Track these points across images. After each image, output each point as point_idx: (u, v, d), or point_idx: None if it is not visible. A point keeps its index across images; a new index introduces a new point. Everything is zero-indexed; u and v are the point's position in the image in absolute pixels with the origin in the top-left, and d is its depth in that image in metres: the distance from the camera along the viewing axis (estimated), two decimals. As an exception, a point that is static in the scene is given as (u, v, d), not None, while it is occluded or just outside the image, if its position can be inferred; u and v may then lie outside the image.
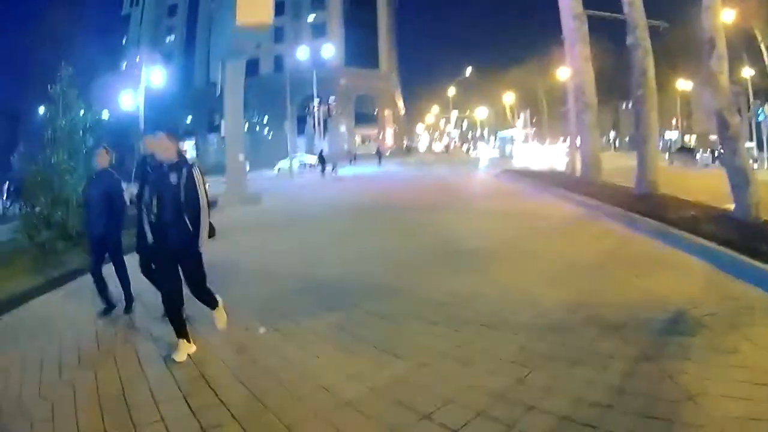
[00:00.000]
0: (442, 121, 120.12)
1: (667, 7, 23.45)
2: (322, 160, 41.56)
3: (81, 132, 10.96)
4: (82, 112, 11.13)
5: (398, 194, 21.39)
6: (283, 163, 51.24)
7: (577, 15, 19.84)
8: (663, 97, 65.05)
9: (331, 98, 43.06)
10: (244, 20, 18.79)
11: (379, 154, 57.86)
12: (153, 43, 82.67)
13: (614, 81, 71.55)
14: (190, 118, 78.23)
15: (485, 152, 66.47)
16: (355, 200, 19.96)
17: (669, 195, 13.56)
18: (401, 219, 14.15)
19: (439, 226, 12.54)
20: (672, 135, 67.80)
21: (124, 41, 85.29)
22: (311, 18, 60.58)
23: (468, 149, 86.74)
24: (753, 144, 38.40)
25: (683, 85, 60.85)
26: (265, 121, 69.86)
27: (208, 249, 5.37)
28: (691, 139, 65.59)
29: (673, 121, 66.53)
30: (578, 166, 21.74)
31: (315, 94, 43.46)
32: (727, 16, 16.08)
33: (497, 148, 69.81)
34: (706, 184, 16.16)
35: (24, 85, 73.89)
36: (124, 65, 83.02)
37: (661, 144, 60.83)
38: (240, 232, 13.24)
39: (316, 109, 40.07)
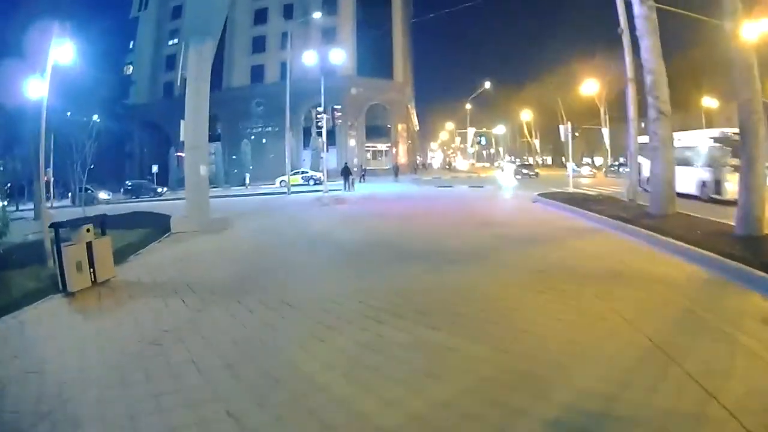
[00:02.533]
0: (458, 138, 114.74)
1: (690, 23, 19.25)
2: (346, 173, 38.27)
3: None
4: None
5: (415, 225, 15.75)
6: (288, 178, 47.05)
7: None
8: (685, 116, 62.41)
9: (337, 106, 37.37)
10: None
11: (396, 170, 56.14)
12: (157, 46, 79.02)
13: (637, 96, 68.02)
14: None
15: (508, 172, 60.65)
16: (355, 234, 14.14)
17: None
18: (417, 281, 8.55)
19: (483, 306, 7.06)
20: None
21: (131, 45, 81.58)
22: (317, 15, 54.95)
23: (499, 166, 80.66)
24: None
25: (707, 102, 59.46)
26: (268, 132, 65.10)
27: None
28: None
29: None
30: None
31: (322, 104, 38.21)
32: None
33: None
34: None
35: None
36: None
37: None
38: (148, 294, 8.20)
39: (320, 118, 34.48)
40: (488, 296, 7.40)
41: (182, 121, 16.48)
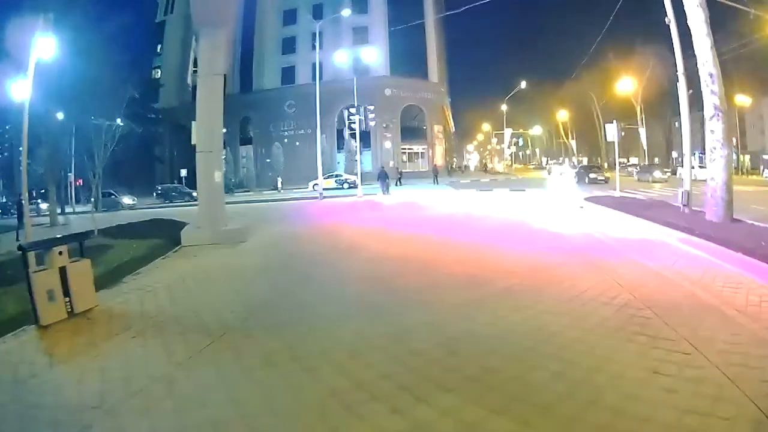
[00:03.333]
0: (494, 140, 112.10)
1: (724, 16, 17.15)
2: (383, 176, 35.88)
3: None
4: None
5: (462, 241, 13.34)
6: (321, 182, 45.73)
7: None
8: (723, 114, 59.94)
9: (370, 107, 35.52)
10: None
11: (435, 173, 53.52)
12: (183, 48, 78.47)
13: (668, 96, 65.05)
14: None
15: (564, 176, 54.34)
16: (389, 251, 12.03)
17: None
18: (469, 323, 6.44)
19: (559, 368, 5.00)
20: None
21: (159, 48, 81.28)
22: (347, 12, 52.95)
23: (546, 168, 75.79)
24: None
25: (740, 100, 55.06)
26: (301, 134, 63.77)
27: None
28: (744, 159, 61.30)
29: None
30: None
31: (355, 103, 36.48)
32: None
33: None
34: None
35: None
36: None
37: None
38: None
39: (352, 119, 32.64)
40: (565, 349, 5.39)
41: (193, 123, 14.67)
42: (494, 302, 7.24)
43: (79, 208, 37.96)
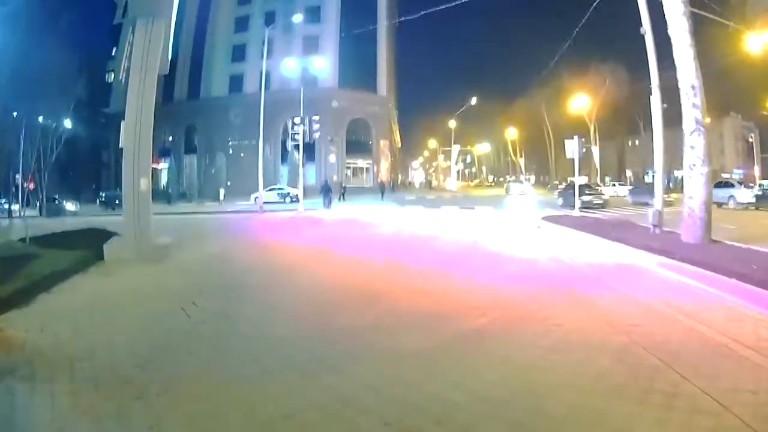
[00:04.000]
0: (441, 156, 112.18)
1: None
2: (326, 190, 35.24)
3: None
4: None
5: (409, 263, 12.28)
6: (263, 194, 44.43)
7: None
8: (681, 133, 61.92)
9: (315, 118, 34.55)
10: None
11: (383, 188, 52.67)
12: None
13: (622, 114, 66.85)
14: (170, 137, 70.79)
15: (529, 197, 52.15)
16: (329, 275, 10.96)
17: None
18: (427, 374, 5.13)
19: None
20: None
21: (114, 51, 78.66)
22: (299, 18, 52.03)
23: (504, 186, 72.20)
24: None
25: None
26: (246, 145, 62.19)
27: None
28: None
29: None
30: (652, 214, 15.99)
31: (301, 113, 35.45)
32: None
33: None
34: None
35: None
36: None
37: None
38: None
39: (296, 130, 31.54)
40: (568, 424, 4.10)
41: (122, 122, 13.24)
42: (462, 351, 5.89)
43: (27, 212, 35.69)
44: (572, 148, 25.76)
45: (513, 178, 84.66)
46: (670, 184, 55.89)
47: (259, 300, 8.72)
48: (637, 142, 79.97)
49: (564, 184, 46.62)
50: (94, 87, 68.18)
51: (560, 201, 35.11)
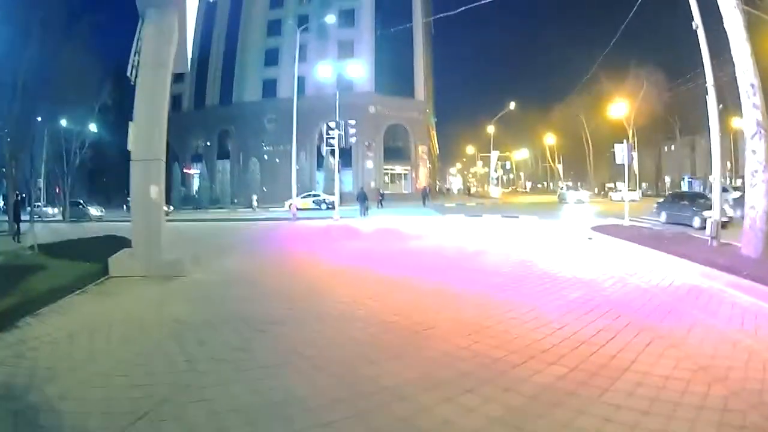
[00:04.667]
0: (480, 162, 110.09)
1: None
2: (362, 197, 34.94)
3: None
4: None
5: (462, 291, 10.25)
6: (298, 201, 43.18)
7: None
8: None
9: (351, 122, 33.03)
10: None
11: (425, 195, 52.56)
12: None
13: (660, 119, 64.09)
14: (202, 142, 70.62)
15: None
16: (364, 300, 9.15)
17: None
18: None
19: None
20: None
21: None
22: (331, 19, 50.75)
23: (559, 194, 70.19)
24: None
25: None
26: (281, 151, 61.16)
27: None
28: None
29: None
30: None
31: (336, 117, 34.10)
32: None
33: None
34: None
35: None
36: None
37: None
38: None
39: (331, 134, 29.95)
40: None
41: (130, 123, 11.77)
42: (549, 415, 4.29)
43: (50, 216, 35.30)
44: (621, 152, 23.29)
45: (568, 184, 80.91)
46: (707, 191, 53.80)
47: (279, 337, 6.95)
48: (672, 147, 76.76)
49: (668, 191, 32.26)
50: (123, 91, 67.74)
51: (662, 216, 25.53)
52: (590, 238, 17.70)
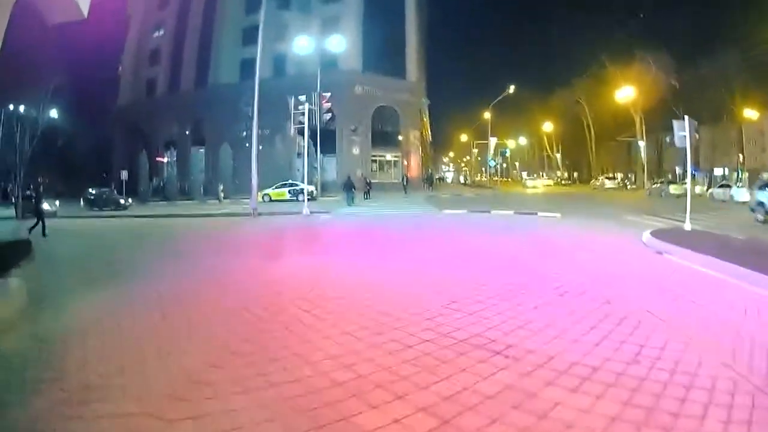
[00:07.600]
0: (475, 151, 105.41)
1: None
2: (349, 186, 33.26)
3: None
4: None
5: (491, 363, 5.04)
6: (273, 192, 40.69)
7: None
8: (717, 129, 55.10)
9: (325, 94, 27.77)
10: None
11: (430, 181, 53.82)
12: (140, 41, 72.86)
13: (662, 108, 59.22)
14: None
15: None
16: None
17: None
18: None
19: None
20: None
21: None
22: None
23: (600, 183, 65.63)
24: None
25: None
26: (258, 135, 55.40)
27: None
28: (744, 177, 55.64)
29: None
30: None
31: (317, 91, 29.05)
32: None
33: None
34: None
35: None
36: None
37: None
38: None
39: (300, 109, 24.59)
40: None
41: None
42: None
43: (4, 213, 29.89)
44: (682, 131, 16.62)
45: (604, 175, 73.66)
46: (710, 182, 53.58)
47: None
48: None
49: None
50: (100, 82, 64.70)
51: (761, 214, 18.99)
52: (660, 253, 11.69)
